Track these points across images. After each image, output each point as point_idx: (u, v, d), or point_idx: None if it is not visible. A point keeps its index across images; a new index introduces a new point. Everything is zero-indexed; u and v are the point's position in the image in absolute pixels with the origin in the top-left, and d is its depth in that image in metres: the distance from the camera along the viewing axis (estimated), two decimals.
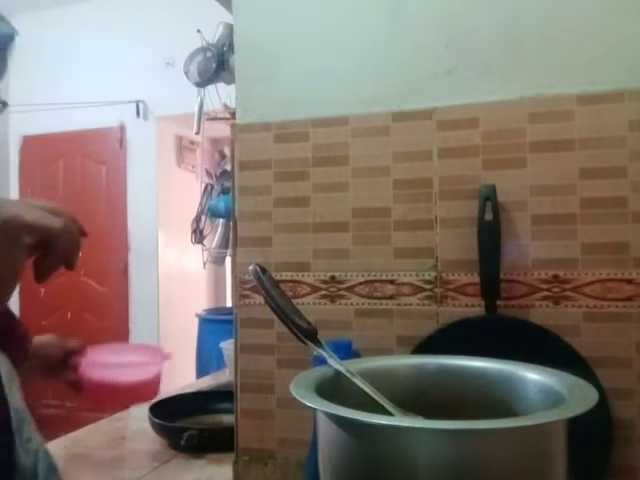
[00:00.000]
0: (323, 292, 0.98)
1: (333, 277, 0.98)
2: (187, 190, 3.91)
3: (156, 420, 1.24)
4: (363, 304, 0.96)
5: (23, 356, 0.63)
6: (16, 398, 0.52)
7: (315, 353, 0.67)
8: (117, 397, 0.93)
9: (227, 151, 3.52)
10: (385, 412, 0.61)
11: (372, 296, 0.96)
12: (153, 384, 0.94)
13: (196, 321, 3.04)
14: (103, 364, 0.89)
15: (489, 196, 0.88)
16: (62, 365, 0.87)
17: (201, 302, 4.06)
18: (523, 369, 0.66)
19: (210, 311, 3.30)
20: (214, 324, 2.85)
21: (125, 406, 0.99)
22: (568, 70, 0.89)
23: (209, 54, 2.30)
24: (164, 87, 3.73)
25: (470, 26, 0.93)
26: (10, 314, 0.61)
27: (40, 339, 0.87)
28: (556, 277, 0.87)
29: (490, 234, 0.87)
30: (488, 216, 0.87)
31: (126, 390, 0.91)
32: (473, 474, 0.49)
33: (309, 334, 0.67)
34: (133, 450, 1.24)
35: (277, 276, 0.99)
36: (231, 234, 1.06)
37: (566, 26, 0.89)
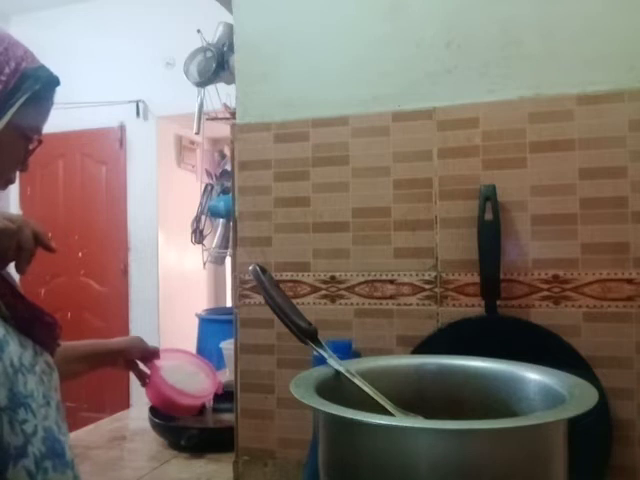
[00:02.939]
0: (323, 292, 0.98)
1: (333, 277, 0.98)
2: (187, 190, 3.90)
3: (156, 420, 1.24)
4: (363, 304, 0.96)
5: (53, 342, 0.67)
6: (21, 383, 0.57)
7: (315, 353, 0.67)
8: (171, 409, 1.02)
9: (227, 151, 3.52)
10: (385, 412, 0.61)
11: (372, 296, 0.96)
12: (202, 405, 1.07)
13: (196, 321, 3.03)
14: (171, 378, 1.00)
15: (489, 196, 0.88)
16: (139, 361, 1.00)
17: (201, 302, 4.06)
18: (523, 369, 0.66)
19: (210, 311, 3.30)
20: (214, 324, 2.84)
21: (174, 415, 1.12)
22: (568, 70, 0.89)
23: (209, 54, 2.29)
24: (164, 87, 3.72)
25: (470, 26, 0.93)
26: (35, 305, 0.65)
27: (125, 340, 1.00)
28: (556, 277, 0.87)
29: (490, 234, 0.87)
30: (488, 216, 0.87)
31: (182, 409, 1.00)
32: (473, 474, 0.49)
33: (309, 334, 0.67)
34: (133, 450, 1.24)
35: (277, 276, 0.99)
36: (231, 234, 1.06)
37: (566, 26, 0.89)
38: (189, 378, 1.03)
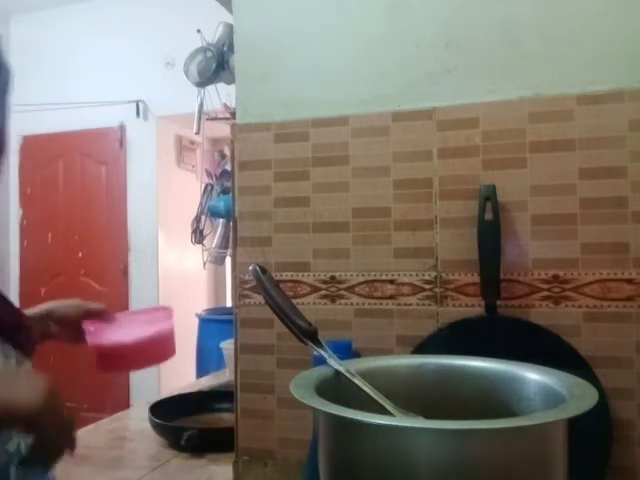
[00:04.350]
0: (323, 292, 0.98)
1: (333, 277, 0.98)
2: (187, 190, 3.90)
3: (156, 420, 1.24)
4: (363, 304, 0.96)
5: (32, 348, 0.64)
6: None
7: (315, 353, 0.67)
8: (129, 359, 0.89)
9: (227, 151, 3.52)
10: (385, 412, 0.61)
11: (372, 296, 0.96)
12: (166, 340, 0.90)
13: (196, 321, 3.04)
14: (109, 328, 0.88)
15: (489, 196, 0.88)
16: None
17: (201, 302, 4.06)
18: (523, 369, 0.66)
19: (210, 311, 3.30)
20: (214, 324, 2.85)
21: (141, 367, 0.91)
22: (568, 70, 0.89)
23: (209, 54, 2.29)
24: (164, 87, 3.73)
25: (470, 26, 0.93)
26: (15, 310, 0.63)
27: (61, 301, 0.88)
28: (556, 277, 0.87)
29: (490, 234, 0.87)
30: (488, 216, 0.87)
31: (138, 350, 0.87)
32: (473, 474, 0.49)
33: (309, 334, 0.67)
34: (133, 450, 1.24)
35: (277, 276, 0.99)
36: (231, 234, 1.06)
37: (566, 26, 0.89)
38: (127, 321, 0.92)
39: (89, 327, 0.86)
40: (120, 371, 0.91)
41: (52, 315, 0.85)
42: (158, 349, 0.89)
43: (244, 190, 1.03)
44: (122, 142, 3.95)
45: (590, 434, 0.73)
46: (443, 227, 0.93)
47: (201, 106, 2.50)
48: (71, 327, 0.85)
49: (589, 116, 0.87)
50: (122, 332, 0.87)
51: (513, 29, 0.91)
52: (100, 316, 0.88)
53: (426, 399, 0.68)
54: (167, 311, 0.93)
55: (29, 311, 0.82)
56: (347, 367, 0.65)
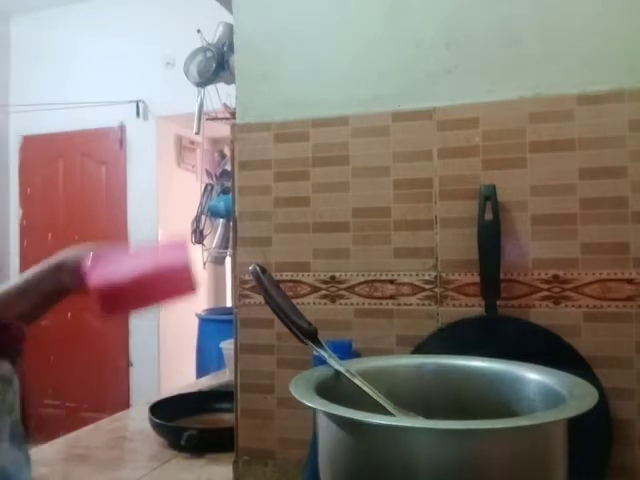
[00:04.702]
0: (323, 292, 0.98)
1: (333, 277, 0.98)
2: (187, 190, 3.90)
3: (156, 420, 1.24)
4: (363, 304, 0.96)
5: (17, 349, 0.60)
6: None
7: (315, 353, 0.67)
8: (139, 293, 0.75)
9: (227, 151, 3.52)
10: (385, 412, 0.61)
11: (372, 296, 0.96)
12: (182, 272, 0.76)
13: (196, 321, 3.04)
14: (112, 262, 0.75)
15: (489, 196, 0.88)
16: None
17: (201, 302, 4.06)
18: (523, 369, 0.66)
19: (210, 311, 3.30)
20: (214, 324, 2.85)
21: (155, 302, 0.77)
22: (568, 70, 0.89)
23: (209, 54, 2.30)
24: (164, 87, 3.72)
25: (470, 26, 0.93)
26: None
27: (70, 249, 0.78)
28: (556, 277, 0.87)
29: (490, 234, 0.87)
30: (488, 216, 0.87)
31: (148, 282, 0.74)
32: (473, 474, 0.49)
33: (309, 334, 0.67)
34: (133, 450, 1.24)
35: (277, 276, 0.99)
36: (231, 234, 1.06)
37: (566, 26, 0.89)
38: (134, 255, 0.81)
39: (85, 266, 0.74)
40: (129, 309, 0.83)
41: (64, 267, 0.74)
42: (173, 281, 0.76)
43: (244, 190, 1.03)
44: (122, 142, 3.95)
45: (590, 434, 0.73)
46: (443, 227, 0.93)
47: (201, 106, 2.50)
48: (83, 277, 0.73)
49: (589, 116, 0.87)
50: (127, 264, 0.75)
51: (513, 29, 0.91)
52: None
53: (426, 399, 0.69)
54: (181, 242, 0.82)
55: (34, 269, 0.74)
56: (347, 367, 0.65)
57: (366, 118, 0.97)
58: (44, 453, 1.20)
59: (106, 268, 0.74)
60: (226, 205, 2.58)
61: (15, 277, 0.69)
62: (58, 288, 0.75)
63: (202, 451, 1.16)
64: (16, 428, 0.56)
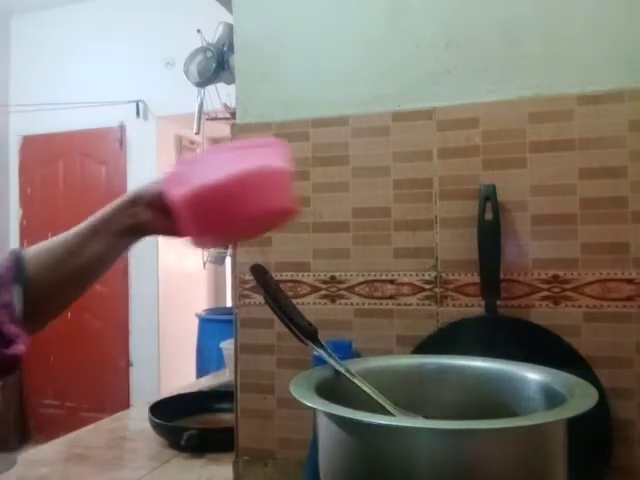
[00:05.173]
0: (323, 292, 0.98)
1: (333, 277, 0.98)
2: None
3: (156, 420, 1.24)
4: (363, 304, 0.96)
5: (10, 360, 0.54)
6: None
7: (315, 353, 0.67)
8: (229, 204, 0.60)
9: None
10: (385, 412, 0.61)
11: (372, 296, 0.96)
12: (276, 177, 0.62)
13: (196, 321, 3.04)
14: (192, 171, 0.63)
15: (489, 196, 0.88)
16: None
17: (201, 302, 4.06)
18: (523, 369, 0.66)
19: (210, 311, 3.30)
20: (214, 324, 2.85)
21: (248, 217, 0.62)
22: (568, 70, 0.89)
23: (209, 54, 2.30)
24: (164, 87, 3.73)
25: (470, 26, 0.93)
26: None
27: (146, 183, 0.68)
28: (556, 277, 0.87)
29: (490, 234, 0.87)
30: (488, 216, 0.87)
31: (237, 189, 0.59)
32: (473, 474, 0.49)
33: (309, 334, 0.67)
34: (133, 450, 1.24)
35: (277, 276, 0.99)
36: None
37: (566, 26, 0.89)
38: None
39: (163, 177, 0.64)
40: (222, 232, 0.63)
41: (140, 200, 0.66)
42: (265, 191, 0.61)
43: None
44: (122, 142, 3.95)
45: (590, 434, 0.73)
46: (443, 227, 0.93)
47: (201, 106, 2.50)
48: (168, 211, 0.63)
49: (589, 116, 0.87)
50: (210, 171, 0.61)
51: (513, 29, 0.91)
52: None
53: (426, 399, 0.69)
54: (275, 142, 0.66)
55: (105, 208, 0.66)
56: (347, 367, 0.65)
57: (366, 118, 0.97)
58: (44, 453, 1.20)
59: (188, 179, 0.61)
60: None
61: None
62: (133, 225, 0.66)
63: (202, 451, 1.16)
64: None
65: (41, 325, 0.67)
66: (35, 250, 0.66)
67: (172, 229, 0.65)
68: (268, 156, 0.62)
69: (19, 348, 0.53)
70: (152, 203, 0.65)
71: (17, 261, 0.63)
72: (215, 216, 0.61)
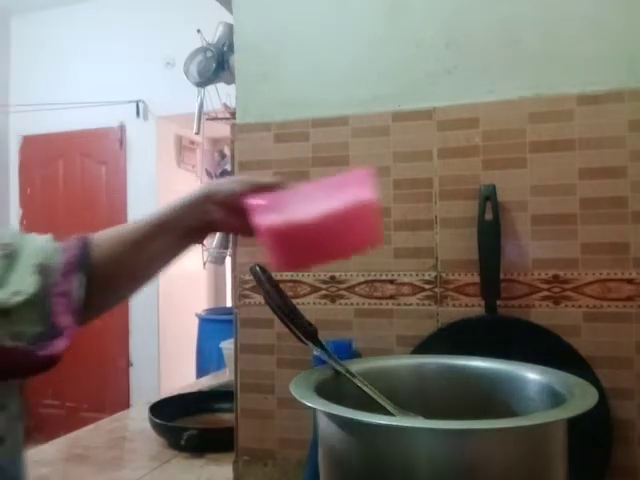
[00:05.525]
0: (323, 292, 0.98)
1: (333, 277, 0.98)
2: (187, 190, 3.88)
3: (156, 420, 1.24)
4: (363, 304, 0.96)
5: (17, 374, 0.52)
6: None
7: (315, 353, 0.67)
8: (317, 242, 0.61)
9: (227, 151, 3.52)
10: (385, 412, 0.61)
11: (372, 296, 0.96)
12: (366, 213, 0.61)
13: (196, 321, 3.04)
14: (282, 201, 0.62)
15: (489, 196, 0.88)
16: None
17: (201, 302, 4.06)
18: (523, 369, 0.66)
19: (210, 311, 3.30)
20: (214, 324, 2.85)
21: (335, 256, 0.64)
22: (568, 70, 0.89)
23: (209, 54, 2.30)
24: (164, 87, 3.73)
25: (470, 26, 0.93)
26: None
27: (220, 180, 0.68)
28: (556, 277, 0.87)
29: (490, 234, 0.87)
30: (488, 216, 0.87)
31: (327, 229, 0.59)
32: (473, 474, 0.49)
33: (309, 334, 0.67)
34: (133, 450, 1.24)
35: (277, 276, 0.99)
36: (231, 234, 1.06)
37: (566, 26, 0.89)
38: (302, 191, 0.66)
39: (253, 201, 0.63)
40: (305, 263, 0.67)
41: (213, 197, 0.65)
42: (357, 227, 0.61)
43: None
44: (122, 142, 3.95)
45: (590, 434, 0.73)
46: (443, 227, 0.93)
47: (201, 106, 2.51)
48: (239, 210, 0.63)
49: (589, 116, 0.87)
50: (301, 205, 0.62)
51: (513, 29, 0.91)
52: (272, 191, 0.65)
53: (426, 399, 0.69)
54: (364, 174, 0.64)
55: (176, 202, 0.66)
56: (347, 367, 0.65)
57: (366, 118, 0.97)
58: (44, 453, 1.20)
59: (279, 210, 0.61)
60: None
61: None
62: (204, 222, 0.65)
63: (202, 451, 1.16)
64: (7, 461, 0.49)
65: (91, 318, 0.65)
66: (100, 238, 0.64)
67: (242, 229, 0.64)
68: (357, 190, 0.62)
69: (57, 348, 0.51)
70: (224, 202, 0.64)
71: (84, 248, 0.61)
72: (301, 251, 0.62)
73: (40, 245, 0.58)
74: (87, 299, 0.59)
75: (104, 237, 0.65)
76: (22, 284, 0.52)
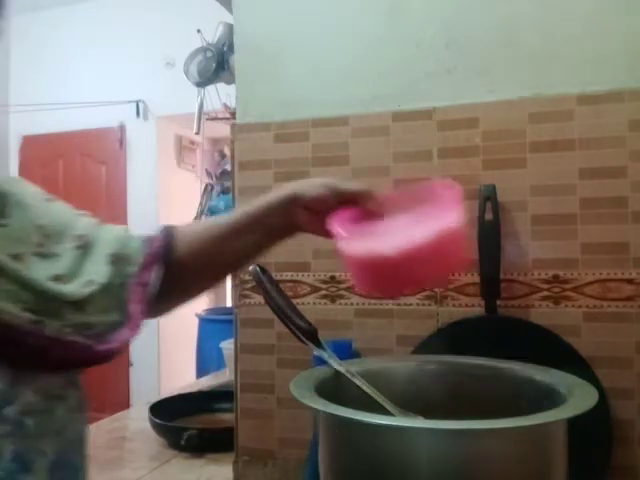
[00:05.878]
0: (323, 292, 0.98)
1: (333, 277, 0.98)
2: (187, 190, 3.90)
3: (156, 420, 1.24)
4: (363, 304, 0.96)
5: (77, 366, 0.51)
6: None
7: (315, 353, 0.67)
8: (401, 273, 0.58)
9: (227, 151, 3.52)
10: (385, 412, 0.61)
11: (372, 296, 0.96)
12: (453, 238, 0.57)
13: (196, 321, 3.04)
14: (366, 226, 0.61)
15: (489, 196, 0.88)
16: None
17: (201, 302, 4.05)
18: (523, 369, 0.66)
19: (210, 311, 3.30)
20: (214, 324, 2.85)
21: (419, 284, 0.64)
22: (568, 70, 0.89)
23: (209, 54, 2.30)
24: (164, 87, 3.73)
25: (470, 26, 0.93)
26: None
27: (307, 181, 0.65)
28: (556, 277, 0.87)
29: (490, 234, 0.87)
30: (488, 216, 0.87)
31: (412, 260, 0.56)
32: (473, 474, 0.49)
33: (309, 334, 0.67)
34: (133, 450, 1.23)
35: (277, 276, 0.99)
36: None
37: (566, 26, 0.89)
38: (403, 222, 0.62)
39: (337, 227, 0.62)
40: (388, 292, 0.69)
41: (299, 200, 0.63)
42: (442, 257, 0.58)
43: (244, 190, 1.03)
44: (122, 142, 3.95)
45: (590, 434, 0.73)
46: None
47: (201, 106, 2.51)
48: (324, 215, 0.63)
49: (589, 116, 0.87)
50: (385, 229, 0.61)
51: (513, 29, 0.91)
52: (356, 203, 0.65)
53: (426, 399, 0.68)
54: (452, 191, 0.61)
55: (261, 200, 0.64)
56: (347, 367, 0.65)
57: (366, 118, 0.97)
58: None
59: (363, 236, 0.60)
60: (226, 205, 2.58)
61: None
62: (289, 224, 0.65)
63: (202, 451, 1.16)
64: (66, 456, 0.48)
65: (168, 309, 0.66)
66: (184, 231, 0.64)
67: (327, 233, 0.63)
68: (444, 211, 0.58)
69: (119, 340, 0.50)
70: (309, 206, 0.63)
71: (167, 239, 0.61)
72: (384, 280, 0.61)
73: (116, 235, 0.58)
74: (166, 290, 0.59)
75: (189, 230, 0.65)
76: (96, 274, 0.52)
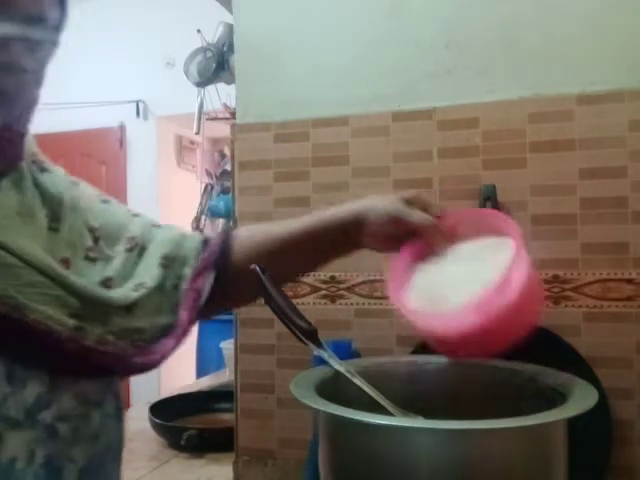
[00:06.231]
0: (323, 292, 0.98)
1: (333, 277, 0.98)
2: (187, 190, 3.90)
3: (156, 420, 1.24)
4: (363, 304, 0.96)
5: (114, 372, 0.49)
6: None
7: (315, 353, 0.67)
8: (482, 343, 0.57)
9: (227, 151, 3.52)
10: (385, 412, 0.61)
11: (372, 296, 0.96)
12: (531, 291, 0.53)
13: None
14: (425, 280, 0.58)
15: (489, 196, 0.88)
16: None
17: None
18: (523, 369, 0.66)
19: None
20: (214, 324, 2.84)
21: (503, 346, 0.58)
22: (568, 70, 0.89)
23: (209, 54, 2.30)
24: (164, 87, 3.72)
25: (470, 26, 0.93)
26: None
27: (374, 200, 0.63)
28: (556, 277, 0.87)
29: None
30: None
31: (490, 331, 0.53)
32: (473, 474, 0.49)
33: (309, 334, 0.67)
34: (133, 450, 1.23)
35: None
36: None
37: (566, 26, 0.89)
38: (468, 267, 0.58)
39: (403, 298, 0.60)
40: (471, 356, 0.62)
41: (361, 226, 0.62)
42: (522, 315, 0.54)
43: (244, 190, 1.03)
44: (122, 142, 3.95)
45: (590, 434, 0.73)
46: None
47: (201, 106, 2.50)
48: (383, 239, 0.63)
49: (589, 116, 0.87)
50: (455, 286, 0.59)
51: (513, 29, 0.91)
52: (421, 236, 0.62)
53: (426, 399, 0.68)
54: (513, 227, 0.56)
55: (326, 213, 0.63)
56: (347, 367, 0.65)
57: (366, 118, 0.97)
58: None
59: (424, 261, 0.59)
60: (226, 205, 2.58)
61: None
62: (350, 242, 0.65)
63: (202, 451, 1.16)
64: (97, 463, 0.47)
65: (218, 312, 0.66)
66: (243, 236, 0.63)
67: (390, 252, 0.65)
68: (514, 259, 0.53)
69: (163, 350, 0.50)
70: (371, 233, 0.63)
71: (224, 244, 0.60)
72: (465, 348, 0.59)
73: (170, 236, 0.58)
74: (219, 294, 0.59)
75: (247, 237, 0.64)
76: (147, 276, 0.52)
